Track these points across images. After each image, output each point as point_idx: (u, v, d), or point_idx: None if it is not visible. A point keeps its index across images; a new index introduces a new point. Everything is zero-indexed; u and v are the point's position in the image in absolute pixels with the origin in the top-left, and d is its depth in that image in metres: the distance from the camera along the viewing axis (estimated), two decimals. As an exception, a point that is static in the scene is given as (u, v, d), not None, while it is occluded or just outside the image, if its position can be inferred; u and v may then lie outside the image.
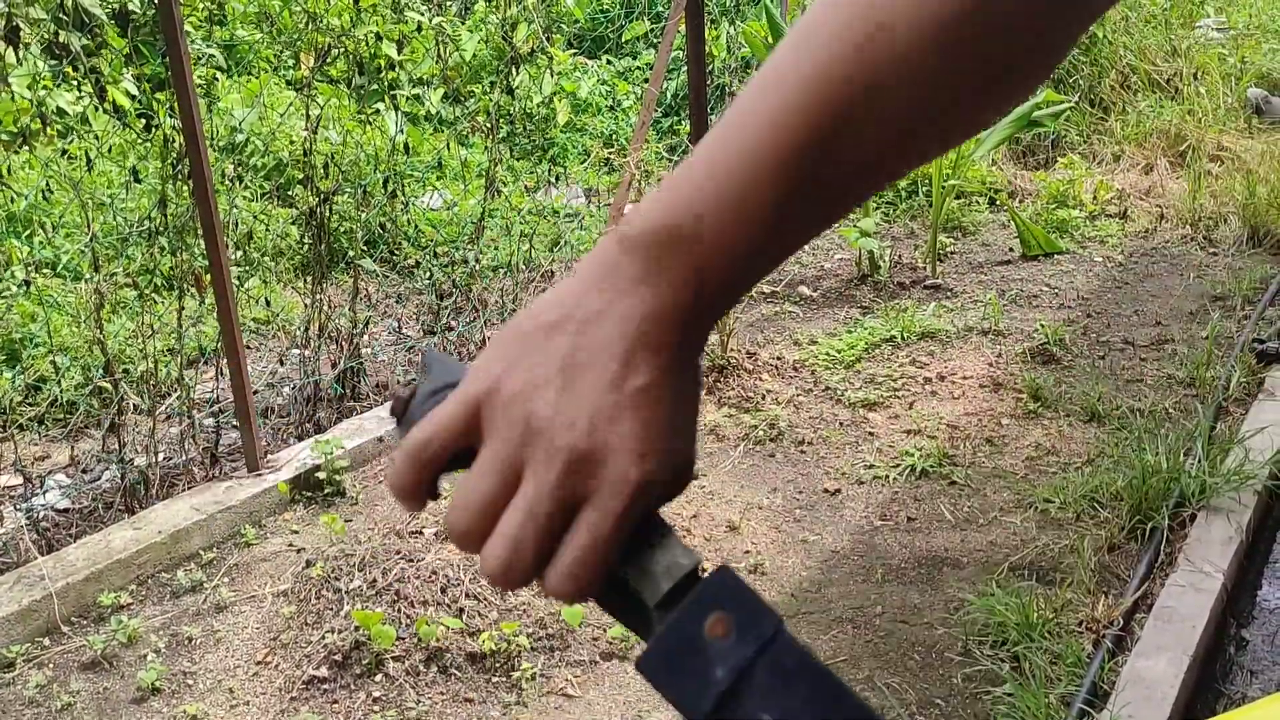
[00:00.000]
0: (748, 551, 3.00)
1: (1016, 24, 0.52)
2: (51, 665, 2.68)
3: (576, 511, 0.50)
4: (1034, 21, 0.53)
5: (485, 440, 0.51)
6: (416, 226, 5.39)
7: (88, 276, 3.50)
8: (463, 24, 6.90)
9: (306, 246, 4.25)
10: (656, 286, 0.50)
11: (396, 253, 5.32)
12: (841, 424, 3.72)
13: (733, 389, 3.92)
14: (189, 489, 3.36)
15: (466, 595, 2.63)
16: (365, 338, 4.42)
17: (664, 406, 0.50)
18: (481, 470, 0.51)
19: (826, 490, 3.32)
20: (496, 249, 5.22)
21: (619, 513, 0.49)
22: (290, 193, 5.25)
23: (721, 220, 0.50)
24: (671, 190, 0.52)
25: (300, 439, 3.72)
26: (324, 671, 2.52)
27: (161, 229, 3.42)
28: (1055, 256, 5.40)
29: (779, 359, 4.18)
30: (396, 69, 4.65)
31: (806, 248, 5.92)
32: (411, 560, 2.72)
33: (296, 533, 3.23)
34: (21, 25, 3.10)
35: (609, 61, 8.05)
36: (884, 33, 0.51)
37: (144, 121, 3.95)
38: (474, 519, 0.51)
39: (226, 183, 4.47)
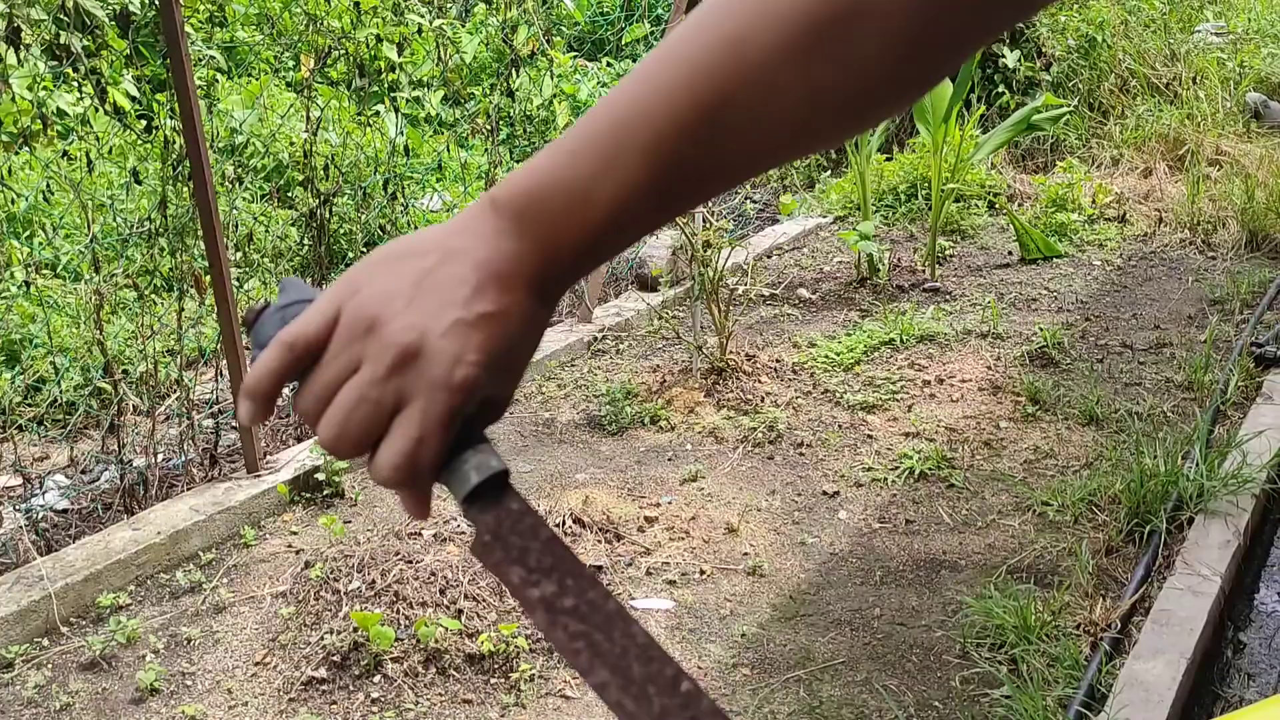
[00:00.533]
0: (746, 553, 3.00)
1: (896, 29, 0.53)
2: (50, 666, 2.68)
3: (403, 406, 0.56)
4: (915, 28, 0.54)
5: (335, 335, 0.57)
6: (416, 228, 5.39)
7: (87, 277, 3.50)
8: (463, 26, 6.91)
9: (306, 248, 4.26)
10: (516, 241, 0.57)
11: (396, 254, 5.31)
12: (840, 427, 3.72)
13: (732, 391, 3.92)
14: (188, 490, 3.37)
15: (465, 596, 2.63)
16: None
17: (498, 335, 0.56)
18: (328, 358, 0.57)
19: (825, 493, 3.32)
20: (496, 251, 5.22)
21: (440, 410, 0.55)
22: (290, 194, 5.25)
23: (579, 197, 0.56)
24: (541, 161, 0.58)
25: (299, 440, 3.72)
26: (323, 672, 2.52)
27: (161, 230, 3.42)
28: (1054, 260, 5.41)
29: (778, 361, 4.18)
30: (396, 71, 4.66)
31: (806, 250, 5.93)
32: (410, 561, 2.72)
33: (295, 534, 3.23)
34: (22, 26, 3.10)
35: (609, 64, 8.06)
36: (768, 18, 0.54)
37: (144, 123, 3.96)
38: (317, 401, 0.57)
39: (226, 184, 4.48)
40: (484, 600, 2.64)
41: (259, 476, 3.39)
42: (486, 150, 5.19)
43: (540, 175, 0.57)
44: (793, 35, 0.54)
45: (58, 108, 4.87)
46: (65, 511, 3.37)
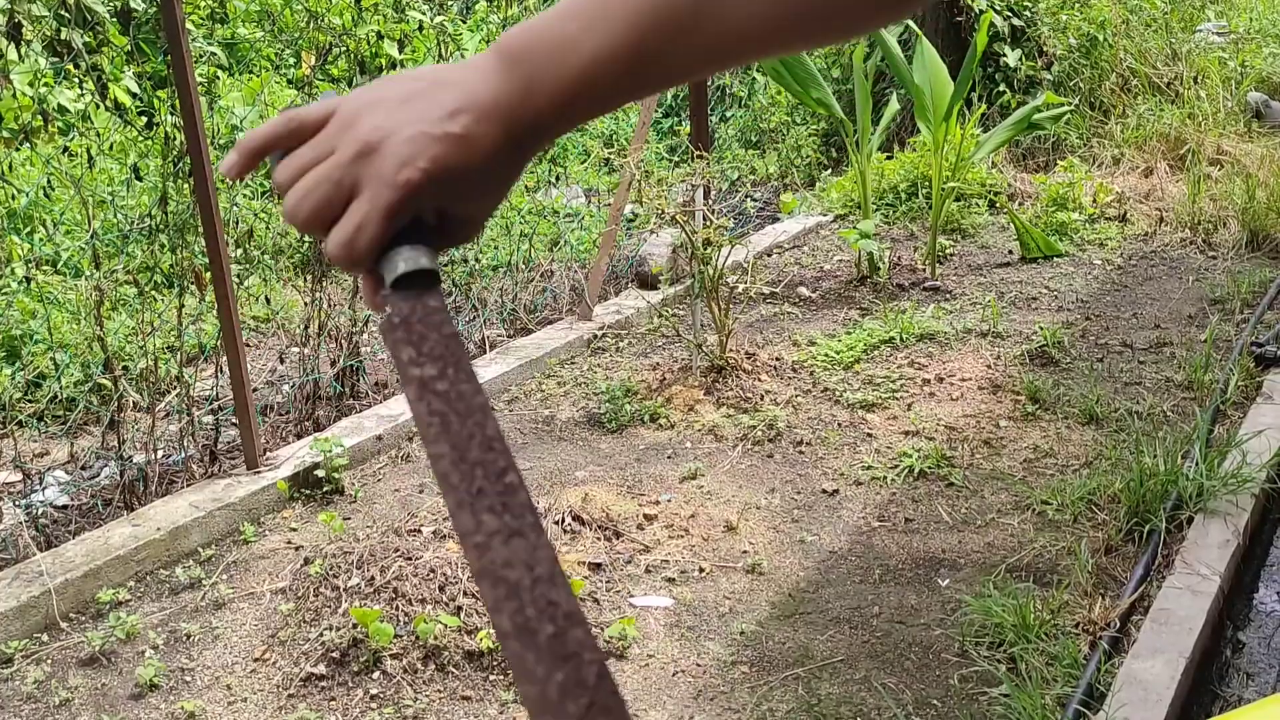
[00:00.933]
0: (745, 551, 3.00)
1: None
2: (50, 661, 2.69)
3: (356, 195, 0.62)
4: None
5: (326, 125, 0.65)
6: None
7: (88, 273, 3.50)
8: (464, 23, 6.90)
9: (306, 245, 4.26)
10: (502, 81, 0.63)
11: (396, 252, 5.31)
12: (840, 425, 3.72)
13: (731, 389, 3.92)
14: (188, 486, 3.37)
15: (464, 593, 2.63)
16: (364, 336, 4.43)
17: (455, 154, 0.62)
18: (311, 141, 0.65)
19: (824, 491, 3.32)
20: (496, 248, 5.23)
21: (383, 203, 0.61)
22: (291, 191, 5.25)
23: (562, 48, 0.62)
24: (541, 15, 0.64)
25: (299, 437, 3.72)
26: (322, 669, 2.53)
27: (162, 226, 3.42)
28: (1054, 259, 5.40)
29: (778, 360, 4.18)
30: (397, 68, 4.66)
31: (806, 248, 5.93)
32: (410, 558, 2.72)
33: (295, 530, 3.23)
34: (23, 22, 3.10)
35: (610, 62, 8.05)
36: None
37: (145, 119, 3.96)
38: (290, 175, 0.64)
39: (227, 181, 4.48)
40: (483, 597, 2.64)
41: (259, 473, 3.39)
42: (487, 147, 5.16)
43: (534, 26, 0.63)
44: None
45: (59, 104, 4.87)
46: (65, 507, 3.37)
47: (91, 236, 3.39)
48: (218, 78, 6.08)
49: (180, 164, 3.35)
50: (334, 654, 2.54)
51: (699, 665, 2.55)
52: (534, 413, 4.00)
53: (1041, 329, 4.34)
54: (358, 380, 4.13)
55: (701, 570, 2.92)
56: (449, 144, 0.61)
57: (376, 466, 3.63)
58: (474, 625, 2.57)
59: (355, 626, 2.55)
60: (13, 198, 4.31)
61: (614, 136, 7.15)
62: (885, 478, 3.36)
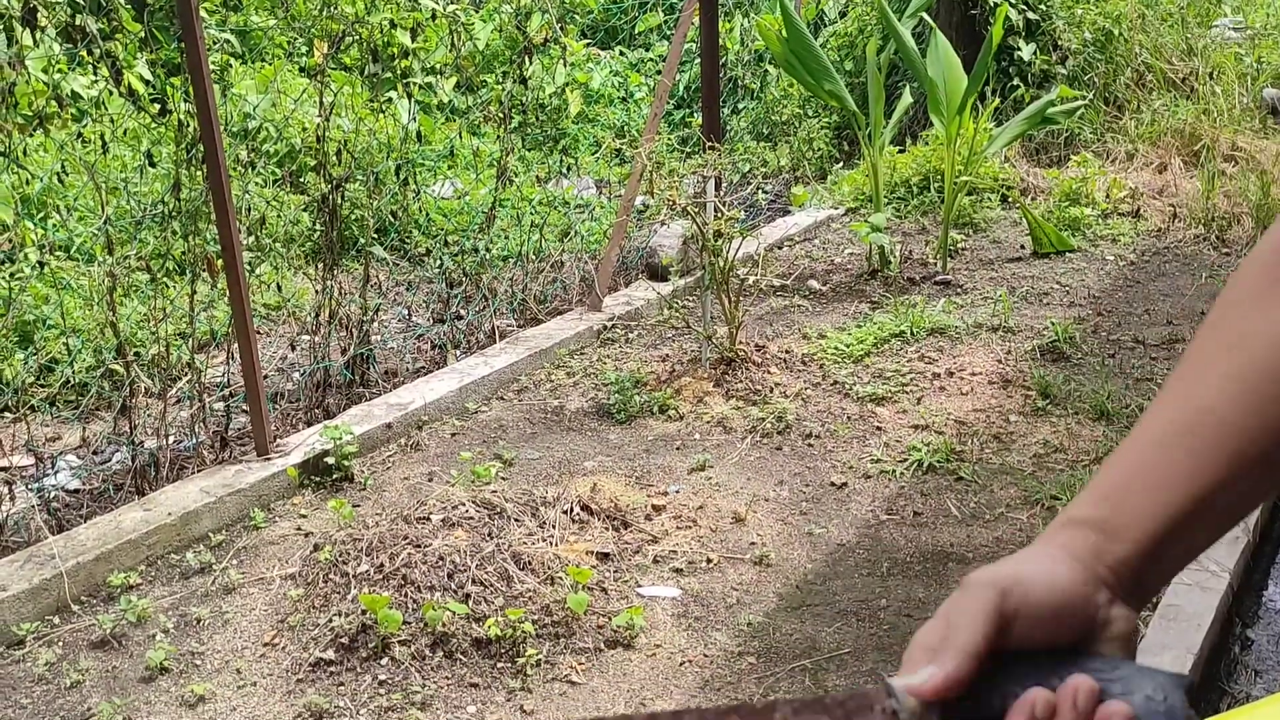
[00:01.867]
0: (753, 543, 3.01)
1: None
2: (61, 643, 2.70)
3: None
4: None
5: None
6: (428, 215, 5.40)
7: (101, 259, 3.52)
8: (476, 13, 6.89)
9: (318, 233, 4.27)
10: (1051, 544, 0.68)
11: (407, 241, 5.34)
12: (849, 418, 3.72)
13: (741, 382, 3.92)
14: (199, 472, 3.38)
15: (473, 581, 2.64)
16: (375, 325, 4.43)
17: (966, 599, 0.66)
18: None
19: (833, 484, 3.32)
20: (507, 238, 5.23)
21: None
22: (303, 179, 5.26)
23: (1116, 527, 0.67)
24: (1087, 493, 0.69)
25: (309, 424, 3.74)
26: (330, 654, 2.54)
27: (175, 213, 3.43)
28: (1067, 254, 5.39)
29: (788, 352, 4.18)
30: (410, 57, 4.66)
31: (816, 241, 5.92)
32: (419, 546, 2.73)
33: (305, 517, 3.25)
34: (38, 7, 3.11)
35: (622, 53, 8.05)
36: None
37: (158, 106, 3.97)
38: None
39: (240, 168, 4.49)
40: (491, 585, 2.65)
41: (269, 459, 3.41)
42: (498, 138, 5.19)
43: (1087, 507, 0.69)
44: None
45: (72, 90, 4.89)
46: (77, 491, 3.39)
47: (105, 222, 3.40)
48: (230, 65, 6.09)
49: (193, 151, 3.36)
50: (343, 640, 2.55)
51: (706, 655, 2.55)
52: (543, 403, 4.01)
53: (1053, 324, 4.33)
54: (368, 368, 4.14)
55: (709, 561, 2.93)
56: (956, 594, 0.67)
57: (386, 454, 3.64)
58: (482, 613, 2.58)
59: (364, 613, 2.56)
60: (26, 183, 4.33)
61: (625, 128, 7.15)
62: (894, 471, 3.36)
